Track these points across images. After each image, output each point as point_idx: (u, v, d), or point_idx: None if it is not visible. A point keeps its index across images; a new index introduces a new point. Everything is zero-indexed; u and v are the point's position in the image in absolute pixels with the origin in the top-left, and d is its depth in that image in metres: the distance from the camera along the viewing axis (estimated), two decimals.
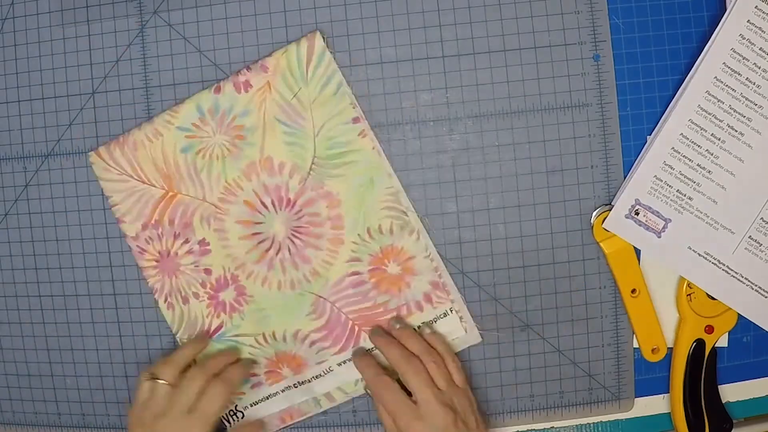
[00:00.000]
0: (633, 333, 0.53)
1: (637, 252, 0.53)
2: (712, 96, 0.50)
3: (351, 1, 0.53)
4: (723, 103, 0.50)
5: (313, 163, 0.52)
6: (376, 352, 0.53)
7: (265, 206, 0.53)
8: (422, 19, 0.52)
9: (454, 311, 0.53)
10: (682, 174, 0.51)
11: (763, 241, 0.51)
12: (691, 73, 0.50)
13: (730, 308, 0.52)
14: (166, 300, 0.54)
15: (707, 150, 0.51)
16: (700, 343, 0.53)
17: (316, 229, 0.53)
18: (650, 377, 0.54)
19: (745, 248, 0.51)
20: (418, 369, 0.49)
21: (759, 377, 0.55)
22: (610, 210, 0.52)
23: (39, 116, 0.55)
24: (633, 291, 0.52)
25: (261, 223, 0.53)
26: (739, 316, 0.53)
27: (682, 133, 0.51)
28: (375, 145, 0.52)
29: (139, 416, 0.49)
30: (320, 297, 0.53)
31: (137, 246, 0.54)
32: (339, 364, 0.54)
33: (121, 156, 0.53)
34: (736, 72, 0.50)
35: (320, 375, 0.54)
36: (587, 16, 0.52)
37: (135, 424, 0.49)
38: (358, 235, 0.52)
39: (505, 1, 0.52)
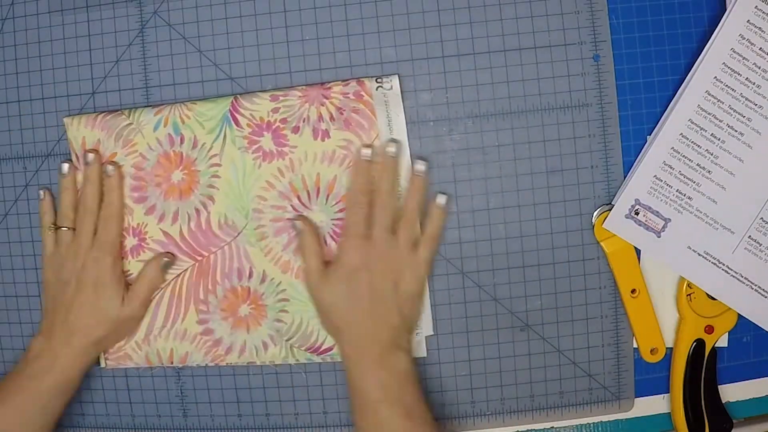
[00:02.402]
0: (632, 333, 0.53)
1: (637, 252, 0.53)
2: (712, 96, 0.50)
3: (351, 2, 0.53)
4: (723, 103, 0.50)
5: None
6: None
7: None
8: (422, 19, 0.52)
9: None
10: (682, 174, 0.51)
11: (763, 241, 0.51)
12: (691, 73, 0.50)
13: (730, 308, 0.52)
14: None
15: (707, 150, 0.51)
16: (700, 343, 0.53)
17: None
18: (650, 377, 0.54)
19: (745, 248, 0.51)
20: (359, 206, 0.51)
21: (759, 377, 0.54)
22: (611, 210, 0.52)
23: (39, 116, 0.55)
24: (633, 291, 0.52)
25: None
26: (739, 315, 0.53)
27: (682, 133, 0.51)
28: None
29: (52, 264, 0.53)
30: None
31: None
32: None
33: None
34: (735, 72, 0.50)
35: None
36: (587, 16, 0.52)
37: (49, 273, 0.53)
38: None
39: (505, 1, 0.52)
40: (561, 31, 0.52)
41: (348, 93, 0.52)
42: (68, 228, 0.52)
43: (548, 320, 0.54)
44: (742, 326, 0.53)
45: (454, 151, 0.53)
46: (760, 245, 0.51)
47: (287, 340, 0.54)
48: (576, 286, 0.53)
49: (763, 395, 0.55)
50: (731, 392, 0.55)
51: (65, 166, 0.53)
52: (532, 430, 0.55)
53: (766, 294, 0.52)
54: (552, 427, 0.55)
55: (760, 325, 0.53)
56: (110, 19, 0.54)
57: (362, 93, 0.52)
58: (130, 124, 0.53)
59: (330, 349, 0.54)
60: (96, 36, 0.54)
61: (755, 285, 0.52)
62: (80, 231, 0.52)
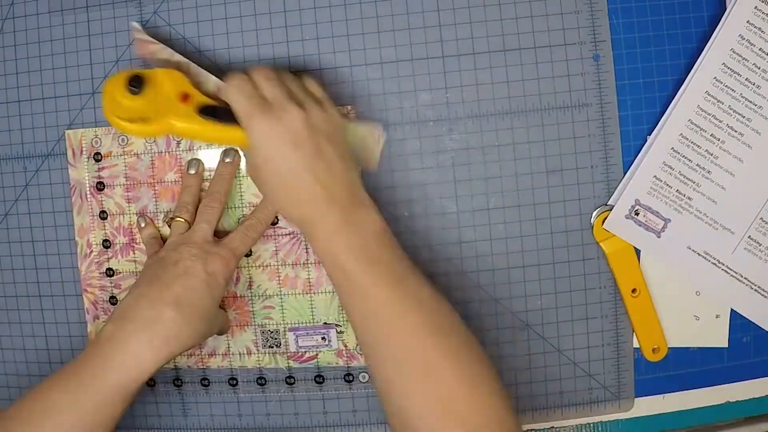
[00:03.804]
0: (633, 333, 0.53)
1: (637, 252, 0.53)
2: (712, 96, 0.50)
3: (351, 1, 0.53)
4: (723, 103, 0.50)
5: None
6: None
7: None
8: (422, 19, 0.52)
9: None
10: (681, 174, 0.51)
11: (763, 241, 0.51)
12: (691, 73, 0.50)
13: None
14: None
15: (707, 150, 0.51)
16: None
17: None
18: (650, 377, 0.54)
19: (745, 248, 0.51)
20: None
21: (759, 377, 0.55)
22: (610, 210, 0.52)
23: (39, 116, 0.55)
24: (633, 291, 0.52)
25: None
26: (739, 314, 0.53)
27: (681, 134, 0.51)
28: None
29: (158, 249, 0.51)
30: None
31: None
32: None
33: None
34: (735, 72, 0.50)
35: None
36: (587, 16, 0.52)
37: (152, 259, 0.51)
38: None
39: (505, 1, 0.52)
40: (561, 31, 0.52)
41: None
42: (184, 220, 0.51)
43: (548, 320, 0.54)
44: (742, 326, 0.53)
45: (454, 151, 0.53)
46: (760, 245, 0.51)
47: (270, 347, 0.54)
48: (576, 286, 0.53)
49: (763, 395, 0.55)
50: (731, 392, 0.55)
51: (194, 163, 0.53)
52: (532, 430, 0.55)
53: (766, 294, 0.52)
54: (552, 427, 0.55)
55: (760, 325, 0.53)
56: (110, 19, 0.54)
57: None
58: None
59: (312, 358, 0.54)
60: (96, 36, 0.54)
61: (755, 285, 0.52)
62: (204, 220, 0.50)
